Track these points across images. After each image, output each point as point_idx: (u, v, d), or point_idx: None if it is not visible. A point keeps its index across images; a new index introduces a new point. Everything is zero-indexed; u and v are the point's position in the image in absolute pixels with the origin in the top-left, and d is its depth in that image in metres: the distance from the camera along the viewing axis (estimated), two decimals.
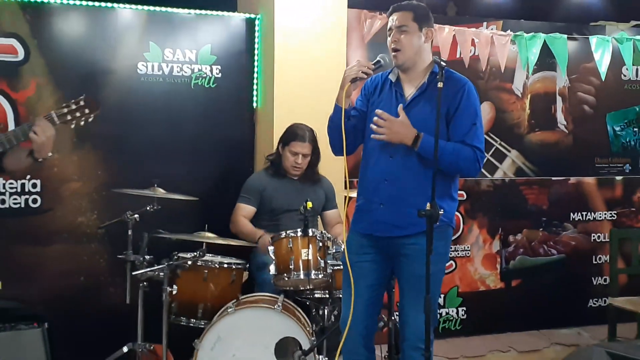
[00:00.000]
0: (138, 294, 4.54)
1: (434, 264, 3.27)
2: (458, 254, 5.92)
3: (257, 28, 5.46)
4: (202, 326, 4.32)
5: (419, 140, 3.55)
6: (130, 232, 4.60)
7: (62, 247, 4.95)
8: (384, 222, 3.64)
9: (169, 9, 5.24)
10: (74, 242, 4.97)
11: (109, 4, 5.08)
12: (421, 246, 3.28)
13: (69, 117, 3.45)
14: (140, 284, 4.52)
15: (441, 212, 3.27)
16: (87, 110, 3.48)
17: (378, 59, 3.74)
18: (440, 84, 3.41)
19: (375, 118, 3.60)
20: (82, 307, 4.94)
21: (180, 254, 4.47)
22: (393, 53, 3.70)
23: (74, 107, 3.47)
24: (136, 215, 4.58)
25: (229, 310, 4.19)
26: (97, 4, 5.06)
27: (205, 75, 5.32)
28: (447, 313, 5.92)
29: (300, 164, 4.98)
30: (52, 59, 4.92)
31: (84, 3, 5.03)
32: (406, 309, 3.61)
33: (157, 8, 5.21)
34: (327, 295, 4.41)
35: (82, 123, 3.49)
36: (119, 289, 4.76)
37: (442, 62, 3.50)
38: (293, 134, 4.99)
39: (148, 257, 4.54)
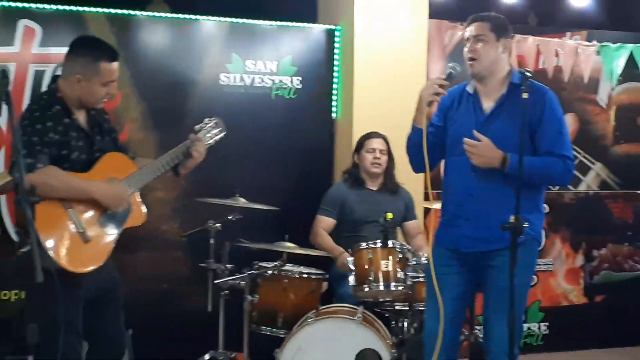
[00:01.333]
0: (219, 302, 4.59)
1: (519, 277, 3.20)
2: (540, 267, 5.81)
3: (337, 39, 5.48)
4: (282, 335, 4.34)
5: (506, 162, 3.48)
6: (212, 241, 4.66)
7: (146, 255, 5.05)
8: (471, 237, 3.59)
9: (252, 21, 5.30)
10: (157, 249, 5.06)
11: (193, 16, 5.17)
12: (509, 259, 3.22)
13: (208, 137, 3.84)
14: (222, 292, 4.57)
15: (526, 225, 3.21)
16: (218, 130, 3.93)
17: (449, 70, 3.68)
18: (525, 95, 3.35)
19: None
20: (164, 314, 5.02)
21: (261, 263, 4.51)
22: (469, 62, 3.64)
23: (208, 128, 3.87)
24: (218, 224, 4.63)
25: (309, 320, 4.19)
26: (181, 16, 5.15)
27: (285, 86, 5.36)
28: (528, 328, 5.82)
29: (380, 159, 4.99)
30: (137, 71, 5.03)
31: (169, 15, 5.14)
32: (491, 321, 3.55)
33: (240, 20, 5.28)
34: (407, 308, 4.38)
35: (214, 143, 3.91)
36: (200, 296, 4.81)
37: (527, 72, 3.44)
38: (364, 136, 5.07)
39: (229, 265, 4.59)
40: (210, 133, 3.90)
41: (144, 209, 3.64)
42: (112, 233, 3.47)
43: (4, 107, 4.61)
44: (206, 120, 3.95)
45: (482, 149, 3.51)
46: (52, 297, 3.11)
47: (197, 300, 5.00)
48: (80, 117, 3.50)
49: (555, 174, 3.56)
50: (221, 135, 3.97)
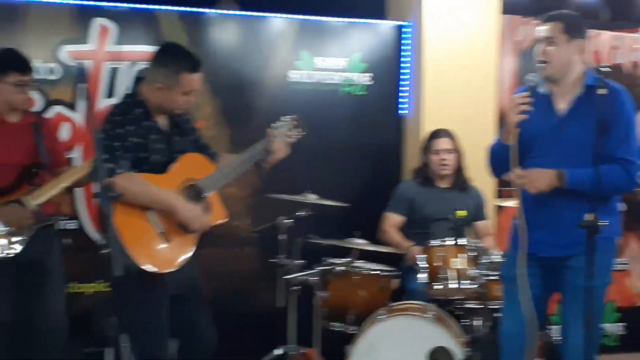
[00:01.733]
0: (289, 298, 4.62)
1: (597, 278, 3.15)
2: (615, 267, 5.66)
3: (406, 35, 5.45)
4: (353, 332, 4.34)
5: (564, 179, 3.42)
6: (282, 237, 4.68)
7: (218, 250, 5.09)
8: (548, 242, 3.52)
9: (321, 18, 5.31)
10: (229, 245, 5.11)
11: (263, 14, 5.20)
12: (586, 260, 3.16)
13: (287, 135, 3.81)
14: (292, 288, 4.59)
15: (604, 224, 3.15)
16: (298, 129, 3.89)
17: (529, 83, 3.59)
18: (603, 90, 3.28)
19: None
20: (235, 309, 5.06)
21: (331, 260, 4.52)
22: (540, 64, 3.57)
23: (288, 126, 3.85)
24: (289, 221, 4.66)
25: (380, 317, 4.19)
26: (251, 13, 5.19)
27: (354, 82, 5.36)
28: (604, 329, 5.70)
29: (447, 159, 4.95)
30: (208, 68, 5.02)
31: (239, 13, 5.18)
32: (568, 325, 3.48)
33: (309, 17, 5.29)
34: (479, 306, 4.33)
35: (295, 140, 3.89)
36: (271, 292, 4.84)
37: (603, 69, 3.36)
38: (430, 135, 5.03)
39: (300, 261, 4.61)
40: (288, 131, 3.90)
41: (223, 208, 3.65)
42: (191, 234, 3.51)
43: (81, 103, 4.79)
44: (284, 117, 3.94)
45: (532, 177, 3.46)
46: (133, 291, 3.18)
47: (267, 295, 5.02)
48: (160, 119, 3.56)
49: (617, 181, 3.44)
50: (300, 133, 3.95)
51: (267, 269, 4.95)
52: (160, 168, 3.51)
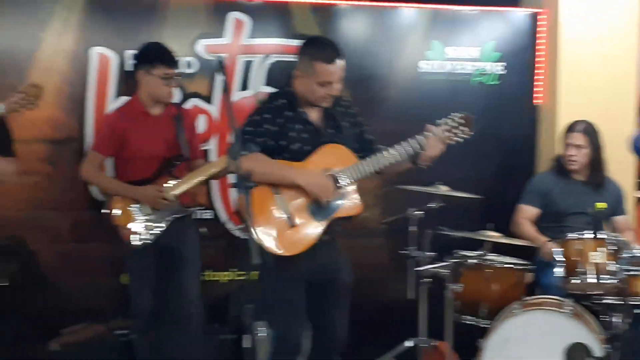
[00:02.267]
0: (419, 290, 4.59)
1: None
2: None
3: (541, 23, 5.31)
4: (486, 325, 4.27)
5: None
6: (413, 229, 4.65)
7: (346, 241, 5.07)
8: None
9: (453, 7, 5.24)
10: (359, 236, 5.10)
11: (394, 4, 5.18)
12: None
13: (451, 134, 3.63)
14: (423, 280, 4.56)
15: None
16: (466, 129, 3.64)
17: None
18: None
19: None
20: (364, 300, 5.03)
21: (462, 252, 4.46)
22: None
23: (453, 123, 3.63)
24: (419, 212, 4.62)
25: (514, 311, 4.11)
26: (382, 4, 5.18)
27: (487, 72, 5.27)
28: None
29: (573, 155, 4.79)
30: None
31: (370, 4, 5.18)
32: None
33: (441, 6, 5.23)
34: (619, 302, 4.17)
35: (461, 140, 3.67)
36: (401, 283, 4.82)
37: None
38: (567, 127, 4.90)
39: (430, 253, 4.57)
40: (453, 129, 3.66)
41: (359, 200, 3.63)
42: (319, 221, 3.54)
43: (216, 95, 4.91)
44: (454, 114, 3.72)
45: None
46: (267, 276, 3.24)
47: (397, 287, 5.00)
48: (311, 111, 3.60)
49: None
50: (467, 134, 3.68)
51: (397, 261, 4.94)
52: (301, 157, 3.55)
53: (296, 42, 4.98)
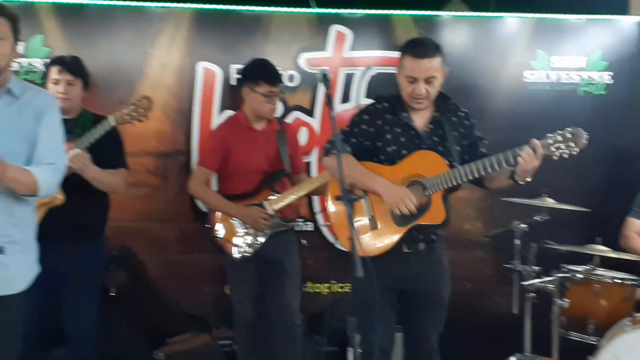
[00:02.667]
0: (524, 304, 4.49)
1: None
2: None
3: None
4: (594, 342, 4.15)
5: None
6: (517, 242, 4.56)
7: (450, 253, 5.00)
8: None
9: (558, 16, 5.13)
10: (460, 249, 5.05)
11: (497, 14, 5.13)
12: None
13: (553, 149, 3.42)
14: (528, 295, 4.46)
15: None
16: (572, 144, 3.40)
17: None
18: None
19: None
20: (467, 314, 4.99)
21: (569, 267, 4.35)
22: None
23: (559, 138, 3.42)
24: (524, 225, 4.53)
25: (625, 327, 3.97)
26: (484, 14, 5.13)
27: (594, 82, 5.13)
28: None
29: None
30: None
31: (473, 14, 5.14)
32: None
33: (546, 15, 5.13)
34: None
35: (566, 156, 3.43)
36: (504, 298, 4.73)
37: None
38: None
39: (536, 267, 4.47)
40: (559, 144, 3.44)
41: (444, 209, 3.54)
42: (400, 226, 3.49)
43: (318, 108, 4.95)
44: (566, 129, 3.48)
45: None
46: (364, 288, 3.24)
47: (500, 301, 4.93)
48: (418, 116, 3.57)
49: None
50: (575, 149, 3.42)
51: (500, 275, 4.86)
52: (395, 160, 3.53)
53: (397, 54, 5.02)
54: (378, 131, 3.53)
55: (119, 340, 4.62)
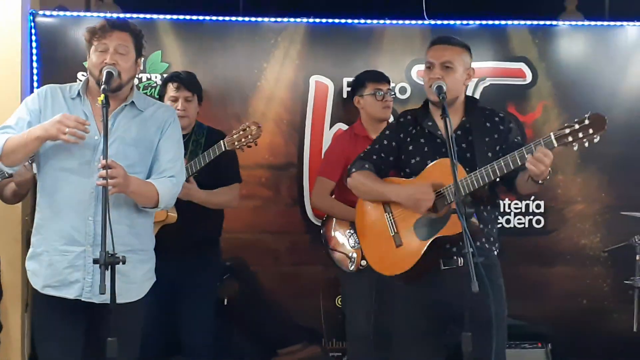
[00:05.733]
0: None
1: None
2: None
3: None
4: None
5: None
6: (638, 257, 4.40)
7: (565, 269, 4.94)
8: None
9: None
10: (577, 264, 4.92)
11: (617, 23, 4.98)
12: None
13: (570, 139, 3.05)
14: None
15: None
16: (591, 131, 3.00)
17: None
18: None
19: None
20: (584, 331, 4.85)
21: None
22: None
23: (576, 127, 3.04)
24: None
25: None
26: (604, 22, 4.99)
27: None
28: None
29: None
30: (559, 81, 4.96)
31: (589, 24, 5.01)
32: None
33: None
34: None
35: (587, 144, 3.03)
36: (623, 315, 4.58)
37: None
38: None
39: None
40: (576, 132, 2.98)
41: (458, 219, 3.11)
42: (422, 240, 3.29)
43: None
44: (584, 116, 3.02)
45: None
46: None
47: (619, 319, 4.76)
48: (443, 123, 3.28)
49: None
50: (595, 137, 2.98)
51: (619, 291, 4.71)
52: (421, 171, 3.39)
53: (515, 65, 4.94)
54: (400, 145, 3.42)
55: (230, 349, 4.69)
